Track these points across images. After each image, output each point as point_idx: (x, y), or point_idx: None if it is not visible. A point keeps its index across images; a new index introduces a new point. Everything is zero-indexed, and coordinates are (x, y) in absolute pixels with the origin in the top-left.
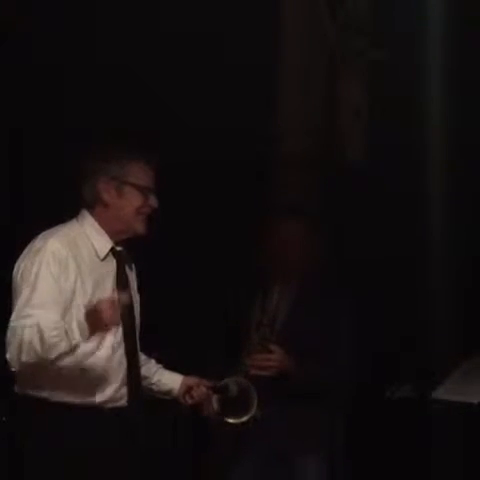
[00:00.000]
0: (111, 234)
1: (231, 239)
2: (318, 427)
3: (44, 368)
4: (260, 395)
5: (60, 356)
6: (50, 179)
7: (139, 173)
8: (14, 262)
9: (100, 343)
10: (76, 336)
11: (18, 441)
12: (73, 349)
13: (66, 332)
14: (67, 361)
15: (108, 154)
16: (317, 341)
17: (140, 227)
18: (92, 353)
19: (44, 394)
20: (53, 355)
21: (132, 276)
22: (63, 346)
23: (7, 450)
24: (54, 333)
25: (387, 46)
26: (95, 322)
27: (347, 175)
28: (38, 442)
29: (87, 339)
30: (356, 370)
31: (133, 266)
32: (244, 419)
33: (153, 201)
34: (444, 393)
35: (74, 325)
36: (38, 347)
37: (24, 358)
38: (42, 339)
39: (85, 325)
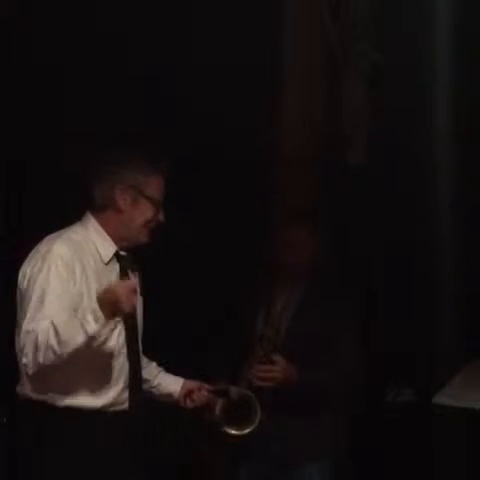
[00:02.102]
0: (115, 239)
1: (234, 243)
2: (320, 433)
3: (60, 370)
4: (262, 404)
5: (77, 350)
6: (51, 181)
7: (157, 187)
8: (15, 264)
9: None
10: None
11: (18, 443)
12: (89, 341)
13: (81, 324)
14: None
15: (129, 161)
16: (320, 350)
17: (144, 238)
18: (104, 343)
19: (47, 397)
20: (70, 349)
21: (135, 280)
22: (79, 339)
23: (7, 451)
24: (69, 325)
25: (388, 48)
26: (110, 307)
27: (347, 175)
28: (39, 444)
29: (103, 324)
30: (358, 375)
31: (136, 270)
32: (246, 432)
33: (162, 216)
34: (445, 398)
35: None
36: (55, 343)
37: (41, 359)
38: (57, 334)
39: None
